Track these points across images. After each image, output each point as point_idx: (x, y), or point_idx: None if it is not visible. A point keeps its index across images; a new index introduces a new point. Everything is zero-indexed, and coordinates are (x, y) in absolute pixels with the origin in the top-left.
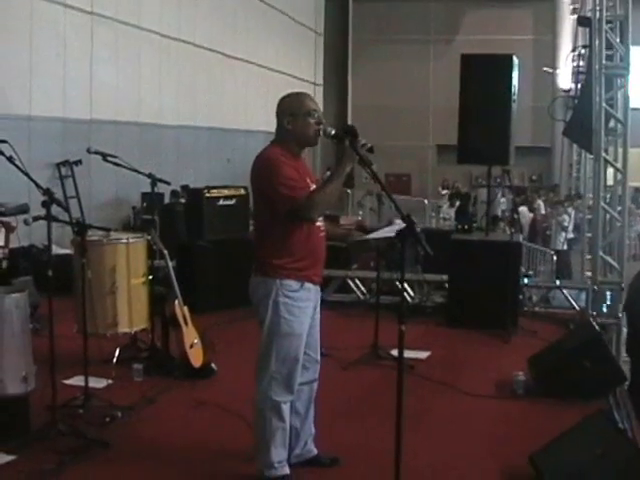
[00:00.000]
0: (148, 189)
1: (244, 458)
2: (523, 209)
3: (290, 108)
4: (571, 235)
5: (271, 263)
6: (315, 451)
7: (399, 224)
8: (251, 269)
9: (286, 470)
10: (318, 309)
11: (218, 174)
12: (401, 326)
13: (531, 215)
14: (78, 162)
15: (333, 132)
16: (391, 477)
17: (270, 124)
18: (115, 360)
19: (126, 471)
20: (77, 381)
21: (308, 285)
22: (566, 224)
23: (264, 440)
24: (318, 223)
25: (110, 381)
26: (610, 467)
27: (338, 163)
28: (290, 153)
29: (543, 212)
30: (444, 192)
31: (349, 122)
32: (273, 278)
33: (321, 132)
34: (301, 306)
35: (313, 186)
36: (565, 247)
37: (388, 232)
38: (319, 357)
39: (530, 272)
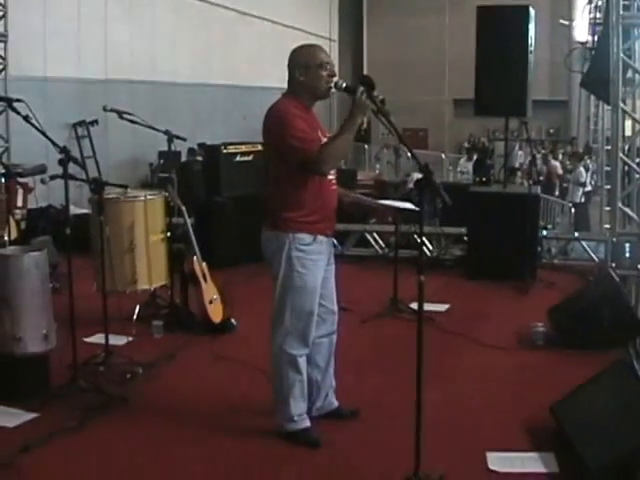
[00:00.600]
0: (165, 147)
1: (264, 412)
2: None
3: (302, 60)
4: (588, 188)
5: (283, 217)
6: (336, 403)
7: (415, 180)
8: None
9: (307, 423)
10: (332, 260)
11: (234, 131)
12: (420, 276)
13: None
14: (94, 122)
15: (344, 85)
16: (412, 429)
17: (285, 80)
18: (135, 317)
19: (147, 427)
20: (97, 339)
21: (320, 238)
22: (582, 179)
23: (282, 394)
24: (330, 176)
25: (130, 338)
26: (631, 416)
27: (349, 115)
28: (302, 105)
29: (560, 172)
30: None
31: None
32: (285, 232)
33: (332, 84)
34: (314, 259)
35: (324, 139)
36: (582, 200)
37: (399, 204)
38: (336, 308)
39: (549, 225)
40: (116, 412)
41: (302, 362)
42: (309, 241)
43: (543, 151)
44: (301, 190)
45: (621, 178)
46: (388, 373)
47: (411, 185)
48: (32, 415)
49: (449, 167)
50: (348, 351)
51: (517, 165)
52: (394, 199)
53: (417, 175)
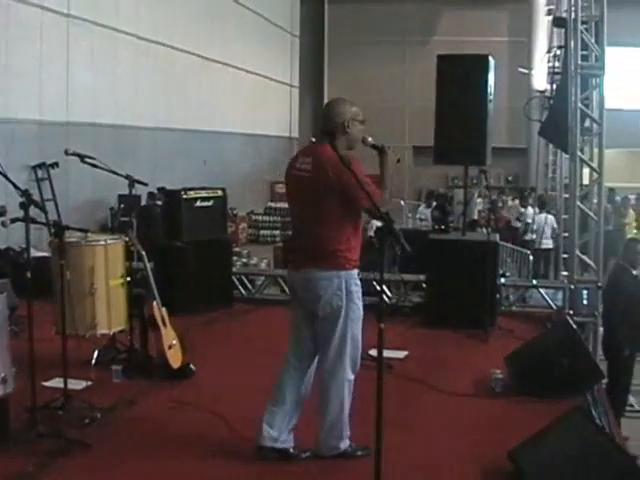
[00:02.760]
0: (125, 191)
1: (224, 455)
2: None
3: (351, 112)
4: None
5: (345, 256)
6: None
7: (375, 228)
8: (304, 264)
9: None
10: None
11: (194, 176)
12: (380, 324)
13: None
14: (55, 164)
15: (371, 141)
16: (371, 477)
17: (246, 126)
18: (94, 362)
19: (106, 472)
20: (56, 383)
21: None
22: (529, 220)
23: (342, 418)
24: None
25: (89, 383)
26: (589, 463)
27: (385, 168)
28: None
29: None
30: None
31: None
32: (346, 270)
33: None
34: (360, 292)
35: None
36: (551, 246)
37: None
38: None
39: (507, 273)
40: (75, 457)
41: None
42: (357, 276)
43: (504, 198)
44: (354, 231)
45: (578, 226)
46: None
47: (371, 233)
48: None
49: (408, 214)
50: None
51: (476, 214)
52: None
53: (377, 223)
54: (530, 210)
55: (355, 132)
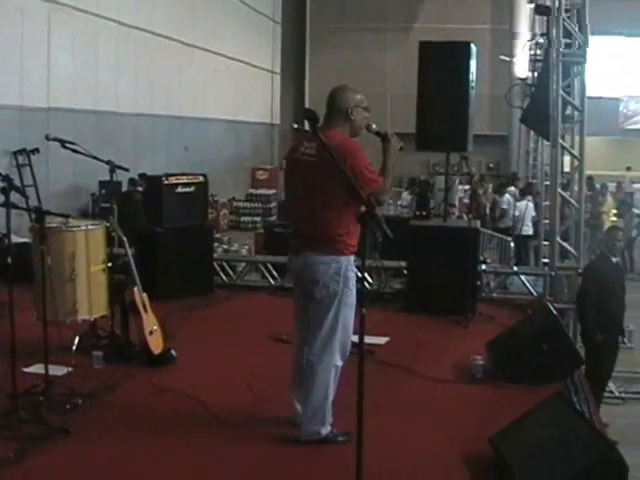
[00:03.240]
0: (106, 177)
1: (204, 443)
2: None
3: (355, 100)
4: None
5: (344, 241)
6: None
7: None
8: (304, 248)
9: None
10: None
11: (176, 162)
12: (362, 309)
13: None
14: (35, 150)
15: (375, 128)
16: (352, 461)
17: (228, 112)
18: (75, 347)
19: (87, 458)
20: (37, 369)
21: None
22: (505, 207)
23: (325, 403)
24: None
25: (70, 369)
26: (569, 448)
27: (388, 155)
28: None
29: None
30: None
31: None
32: (345, 255)
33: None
34: (354, 278)
35: None
36: (531, 232)
37: None
38: None
39: (488, 259)
40: (56, 443)
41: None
42: (354, 263)
43: (484, 185)
44: (352, 217)
45: (559, 213)
46: None
47: None
48: None
49: (390, 200)
50: (288, 384)
51: (457, 200)
52: None
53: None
54: (507, 197)
55: (359, 119)
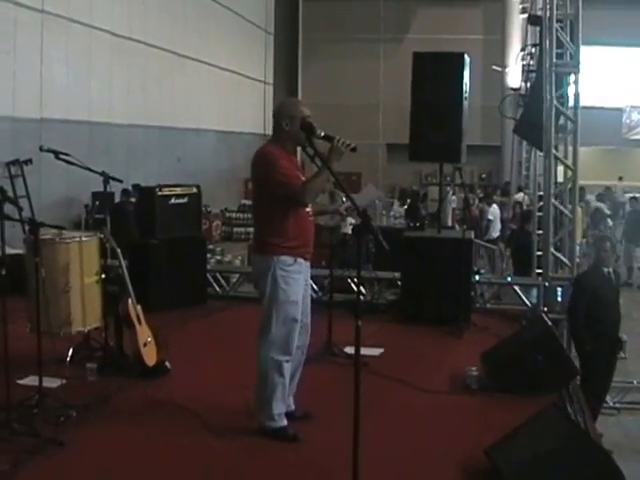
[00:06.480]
0: (99, 188)
1: (198, 454)
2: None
3: (289, 112)
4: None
5: (269, 242)
6: (293, 407)
7: (350, 225)
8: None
9: (285, 422)
10: (309, 281)
11: (169, 173)
12: (358, 321)
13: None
14: (28, 161)
15: (322, 133)
16: (349, 473)
17: (220, 123)
18: (69, 359)
19: (81, 469)
20: (31, 381)
21: (300, 260)
22: (491, 217)
23: (266, 395)
24: (307, 209)
25: (64, 381)
26: (565, 459)
27: (327, 158)
28: (285, 151)
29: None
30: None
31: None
32: (271, 255)
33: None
34: (295, 277)
35: (303, 179)
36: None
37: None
38: (309, 322)
39: (482, 270)
40: (50, 455)
41: (286, 367)
42: (291, 262)
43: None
44: (284, 220)
45: (553, 223)
46: (323, 418)
47: (345, 230)
48: None
49: (382, 211)
50: None
51: (450, 211)
52: (331, 241)
53: (351, 220)
54: (494, 207)
55: (294, 130)
